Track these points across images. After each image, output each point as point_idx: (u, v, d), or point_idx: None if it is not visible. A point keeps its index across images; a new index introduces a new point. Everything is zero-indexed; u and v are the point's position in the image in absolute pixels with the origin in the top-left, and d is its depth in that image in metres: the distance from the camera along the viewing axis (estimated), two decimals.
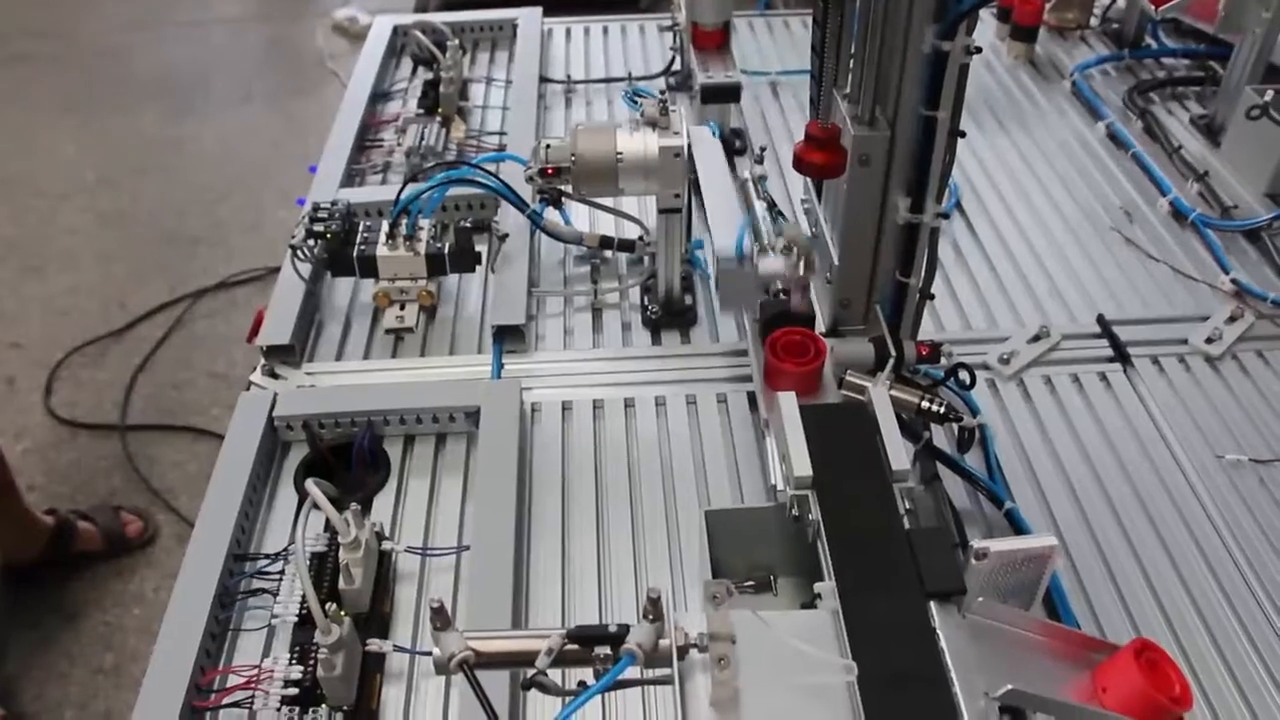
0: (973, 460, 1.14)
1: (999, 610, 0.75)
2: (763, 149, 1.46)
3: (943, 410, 0.99)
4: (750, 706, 0.68)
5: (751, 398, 1.22)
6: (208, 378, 2.87)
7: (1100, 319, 1.32)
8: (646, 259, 1.39)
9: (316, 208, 1.34)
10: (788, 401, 0.90)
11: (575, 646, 0.67)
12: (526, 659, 0.67)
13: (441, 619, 0.67)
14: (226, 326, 3.03)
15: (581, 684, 0.68)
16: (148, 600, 2.31)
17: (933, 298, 1.03)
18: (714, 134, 1.20)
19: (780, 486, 0.89)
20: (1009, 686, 0.68)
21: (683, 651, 0.68)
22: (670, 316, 1.33)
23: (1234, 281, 1.36)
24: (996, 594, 0.79)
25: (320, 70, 4.32)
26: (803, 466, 0.84)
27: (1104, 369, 1.26)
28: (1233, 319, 1.31)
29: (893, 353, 1.00)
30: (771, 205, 1.42)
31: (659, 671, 0.70)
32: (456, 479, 1.14)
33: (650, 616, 0.67)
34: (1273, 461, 1.14)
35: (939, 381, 1.07)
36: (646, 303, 1.35)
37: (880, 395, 0.92)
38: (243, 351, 2.92)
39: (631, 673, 0.68)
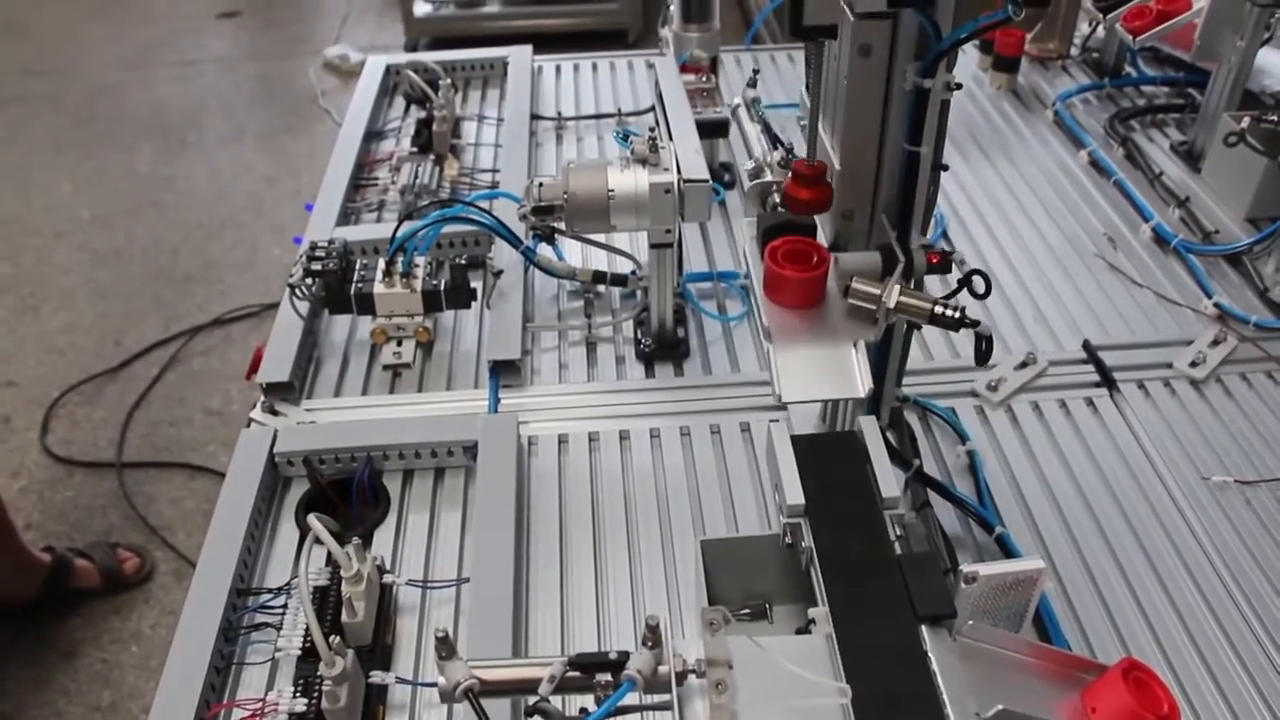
0: (962, 486, 1.16)
1: (989, 633, 0.77)
2: (756, 71, 1.48)
3: (958, 315, 0.92)
4: None
5: (745, 427, 1.24)
6: (204, 414, 2.89)
7: (1086, 345, 1.34)
8: (639, 293, 1.41)
9: (314, 246, 1.36)
10: (780, 433, 0.91)
11: (577, 673, 0.69)
12: (529, 686, 0.69)
13: (446, 648, 0.69)
14: (222, 363, 3.04)
15: (583, 711, 0.69)
16: (145, 637, 2.30)
17: (946, 168, 0.97)
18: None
19: (779, 394, 0.89)
20: (1000, 707, 0.70)
21: (681, 677, 0.70)
22: (663, 349, 1.35)
23: (1217, 305, 1.39)
24: (987, 617, 0.81)
25: (312, 107, 4.36)
26: (795, 495, 0.86)
27: (1090, 394, 1.28)
28: (1216, 343, 1.34)
29: (901, 259, 0.94)
30: (766, 128, 1.43)
31: (658, 697, 0.71)
32: (455, 512, 1.16)
33: (649, 643, 0.69)
34: (1258, 483, 1.17)
35: (952, 291, 0.99)
36: (640, 336, 1.37)
37: (870, 425, 0.93)
38: (238, 388, 2.93)
39: (631, 699, 0.69)
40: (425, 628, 1.04)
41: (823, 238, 1.01)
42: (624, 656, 0.69)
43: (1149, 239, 1.54)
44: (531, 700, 0.69)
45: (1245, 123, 1.49)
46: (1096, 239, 1.55)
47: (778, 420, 1.22)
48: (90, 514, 2.62)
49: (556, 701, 0.70)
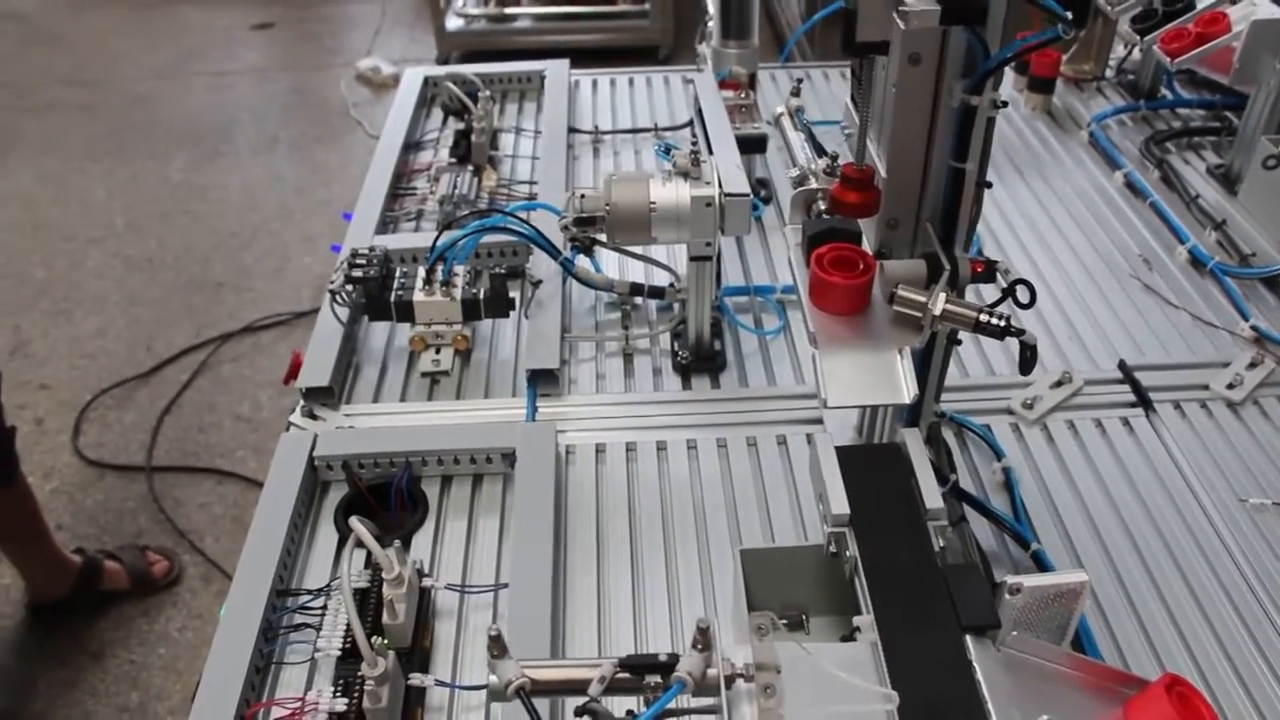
0: (998, 503, 1.16)
1: (1032, 644, 0.77)
2: (799, 81, 1.49)
3: (1003, 324, 0.92)
4: None
5: (781, 440, 1.25)
6: (233, 420, 2.91)
7: (1122, 365, 1.34)
8: (676, 305, 1.42)
9: (355, 253, 1.37)
10: (824, 444, 0.92)
11: (627, 674, 0.70)
12: (579, 687, 0.69)
13: (499, 647, 0.70)
14: (251, 370, 3.07)
15: (630, 713, 0.70)
16: (173, 639, 2.32)
17: (990, 185, 0.97)
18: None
19: (825, 398, 0.89)
20: (1044, 717, 0.70)
21: (730, 680, 0.71)
22: (700, 362, 1.36)
23: (1254, 328, 1.39)
24: (1029, 630, 0.81)
25: (343, 118, 4.40)
26: (840, 505, 0.87)
27: (1126, 414, 1.28)
28: (1253, 365, 1.33)
29: (946, 267, 0.94)
30: (810, 136, 1.43)
31: (703, 701, 0.72)
32: (493, 519, 1.17)
33: (699, 646, 0.70)
34: None
35: (996, 301, 0.98)
36: (676, 348, 1.38)
37: (913, 436, 0.94)
38: (268, 394, 2.96)
39: (677, 702, 0.70)
40: (463, 631, 1.05)
41: (867, 245, 1.01)
42: (674, 659, 0.70)
43: (1185, 261, 1.54)
44: (581, 700, 0.69)
45: None
46: (1132, 260, 1.55)
47: (821, 431, 1.24)
48: (120, 517, 2.65)
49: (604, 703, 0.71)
